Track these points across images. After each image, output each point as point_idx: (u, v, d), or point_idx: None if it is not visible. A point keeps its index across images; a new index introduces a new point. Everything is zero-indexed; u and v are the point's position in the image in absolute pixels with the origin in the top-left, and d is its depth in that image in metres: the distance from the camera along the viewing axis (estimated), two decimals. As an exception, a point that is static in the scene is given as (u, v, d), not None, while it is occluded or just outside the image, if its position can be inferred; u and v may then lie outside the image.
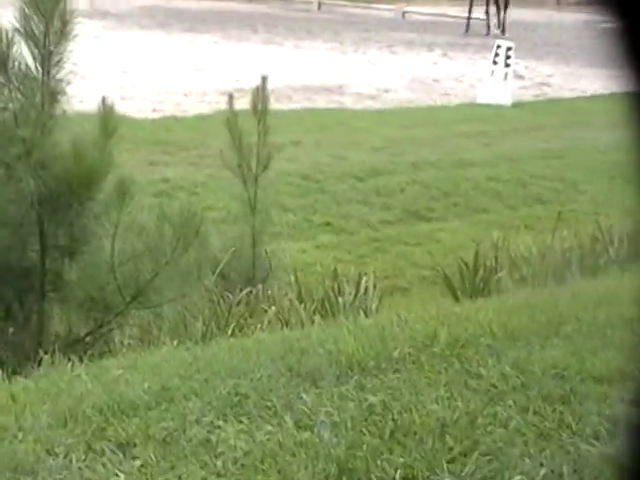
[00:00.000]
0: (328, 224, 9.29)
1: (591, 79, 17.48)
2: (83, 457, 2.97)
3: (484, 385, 3.55)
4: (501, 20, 26.04)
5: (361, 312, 5.61)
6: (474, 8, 26.38)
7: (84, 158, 5.16)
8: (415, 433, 3.13)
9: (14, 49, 5.15)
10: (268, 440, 3.11)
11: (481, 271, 6.78)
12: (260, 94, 6.75)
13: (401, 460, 2.95)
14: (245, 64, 17.16)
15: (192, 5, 28.85)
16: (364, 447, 3.02)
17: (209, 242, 5.60)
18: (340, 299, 6.06)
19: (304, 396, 3.43)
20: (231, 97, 6.92)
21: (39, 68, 5.20)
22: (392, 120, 14.20)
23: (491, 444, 3.05)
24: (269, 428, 3.19)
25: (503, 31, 25.57)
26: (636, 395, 2.87)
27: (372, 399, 3.41)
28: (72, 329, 5.17)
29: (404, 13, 30.59)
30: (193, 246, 5.16)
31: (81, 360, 4.14)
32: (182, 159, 10.83)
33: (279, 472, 2.90)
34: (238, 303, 5.82)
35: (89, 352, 4.68)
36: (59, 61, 5.20)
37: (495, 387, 3.53)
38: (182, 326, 5.28)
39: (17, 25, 5.09)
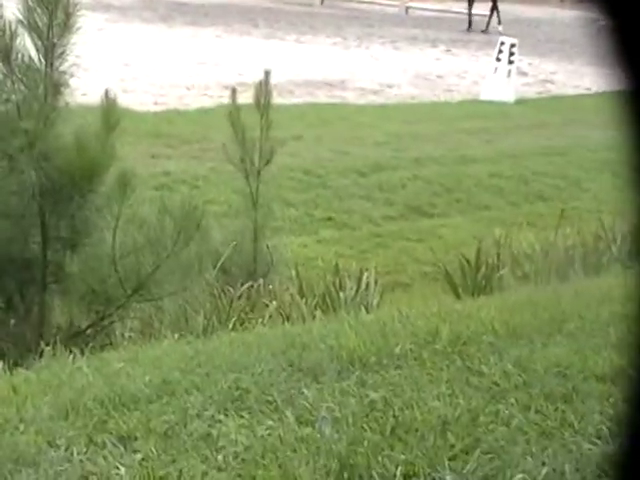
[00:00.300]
0: (330, 219, 9.29)
1: (594, 76, 17.45)
2: (84, 450, 2.97)
3: (486, 383, 3.54)
4: (498, 16, 26.03)
5: (362, 308, 5.60)
6: (476, 4, 26.35)
7: (86, 150, 5.15)
8: (416, 430, 3.12)
9: (17, 41, 5.14)
10: (269, 435, 3.10)
11: (483, 268, 6.77)
12: (263, 88, 6.73)
13: (402, 457, 2.94)
14: (247, 58, 17.15)
15: (195, -2, 28.81)
16: (365, 443, 3.01)
17: (210, 236, 5.60)
18: (341, 294, 6.05)
19: (305, 391, 3.42)
20: (234, 91, 6.91)
21: (42, 60, 5.19)
22: (395, 115, 14.19)
23: (493, 442, 3.04)
24: (270, 423, 3.19)
25: (487, 27, 25.62)
26: (633, 394, 2.86)
27: (373, 395, 3.40)
28: (73, 321, 5.17)
29: (408, 8, 30.56)
30: (194, 240, 5.16)
31: (82, 352, 4.14)
32: (184, 152, 10.82)
33: (280, 467, 2.89)
34: (239, 297, 5.82)
35: (90, 344, 4.68)
36: (62, 53, 5.19)
37: (497, 385, 3.52)
38: (183, 320, 5.28)
39: (20, 17, 5.09)
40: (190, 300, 5.20)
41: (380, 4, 31.35)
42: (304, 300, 5.92)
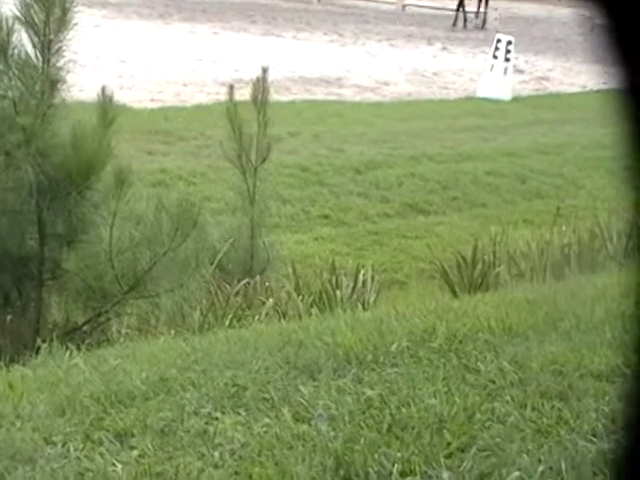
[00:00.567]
0: (326, 216, 9.29)
1: (590, 74, 17.47)
2: (81, 446, 2.97)
3: (482, 380, 3.54)
4: (481, 14, 26.04)
5: (359, 305, 5.61)
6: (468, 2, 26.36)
7: (83, 147, 5.15)
8: (413, 427, 3.13)
9: (14, 37, 5.14)
10: (265, 432, 3.10)
11: (479, 266, 6.78)
12: (260, 85, 6.73)
13: (399, 454, 2.95)
14: (244, 55, 17.14)
15: (192, -5, 28.77)
16: (362, 441, 3.02)
17: (207, 233, 5.59)
18: (338, 292, 6.06)
19: (302, 388, 3.43)
20: (231, 88, 6.91)
21: (39, 56, 5.18)
22: (391, 113, 14.19)
23: (489, 440, 3.05)
24: (267, 420, 3.19)
25: (483, 24, 25.63)
26: (629, 391, 2.87)
27: (370, 393, 3.40)
28: (70, 318, 5.17)
29: (404, 6, 30.55)
30: (191, 236, 5.16)
31: (79, 349, 4.14)
32: (181, 149, 10.81)
33: (276, 464, 2.89)
34: (236, 294, 5.82)
35: (87, 341, 4.68)
36: (59, 49, 5.18)
37: (493, 382, 3.52)
38: (180, 316, 5.28)
39: (17, 13, 5.08)
40: (187, 297, 5.20)
41: (377, 1, 31.34)
42: (300, 297, 5.92)
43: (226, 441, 3.03)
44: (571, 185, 10.82)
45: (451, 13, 27.94)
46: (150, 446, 2.98)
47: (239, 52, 18.10)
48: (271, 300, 5.78)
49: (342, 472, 2.87)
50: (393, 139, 12.19)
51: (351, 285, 6.25)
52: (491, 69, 16.39)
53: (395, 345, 3.85)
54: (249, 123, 6.65)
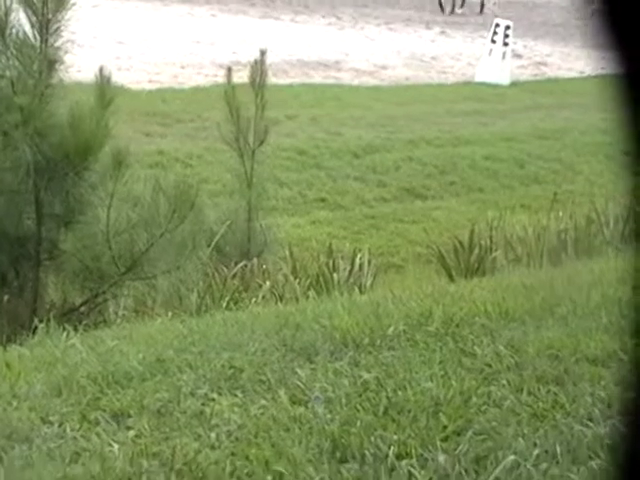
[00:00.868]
0: (323, 200, 9.29)
1: (589, 59, 17.43)
2: (77, 426, 2.98)
3: (478, 364, 3.55)
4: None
5: (356, 289, 5.61)
6: None
7: (81, 128, 5.14)
8: (409, 411, 3.14)
9: (12, 16, 5.12)
10: (262, 414, 3.11)
11: (476, 250, 6.78)
12: (258, 68, 6.71)
13: (395, 437, 2.96)
14: (242, 38, 17.08)
15: (190, -24, 28.63)
16: (358, 423, 3.03)
17: (204, 215, 5.59)
18: (335, 275, 6.06)
19: (298, 371, 3.43)
20: (229, 70, 6.89)
21: (37, 36, 5.16)
22: (389, 97, 14.15)
23: (485, 423, 3.06)
24: (263, 402, 3.20)
25: (462, 5, 25.51)
26: (626, 376, 2.88)
27: (366, 376, 3.41)
28: (67, 298, 5.17)
29: (403, -11, 30.40)
30: (188, 218, 5.15)
31: (76, 329, 4.14)
32: (178, 131, 10.79)
33: (273, 446, 2.90)
34: (233, 277, 5.82)
35: (84, 322, 4.68)
36: (57, 29, 5.16)
37: (489, 366, 3.53)
38: (177, 298, 5.28)
39: (16, -8, 5.06)
40: (184, 279, 5.20)
41: (376, -16, 31.18)
42: (297, 280, 5.93)
43: (223, 422, 3.04)
44: (569, 170, 10.82)
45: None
46: (147, 426, 2.99)
47: (237, 34, 18.04)
48: (268, 283, 5.79)
49: (338, 454, 2.88)
50: (391, 123, 12.17)
51: (348, 268, 6.26)
52: (489, 54, 16.35)
53: (392, 328, 3.85)
54: (247, 106, 6.64)
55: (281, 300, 5.45)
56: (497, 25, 16.49)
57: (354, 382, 3.36)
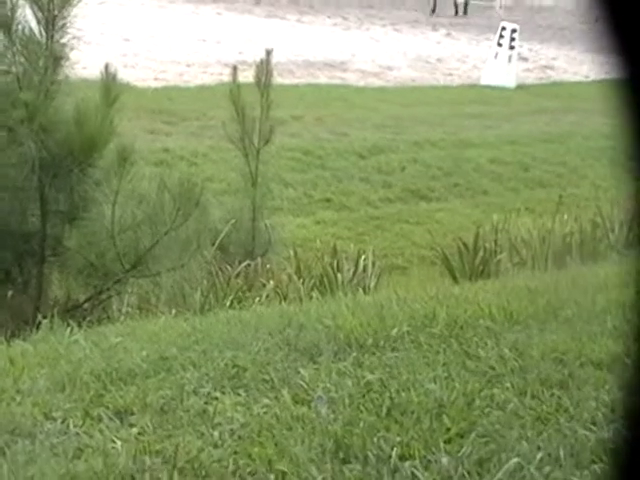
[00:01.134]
0: (328, 200, 9.28)
1: (594, 63, 17.41)
2: (81, 422, 2.97)
3: (482, 367, 3.54)
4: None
5: (360, 289, 5.60)
6: None
7: (86, 124, 5.14)
8: (412, 412, 3.13)
9: (18, 12, 5.11)
10: (265, 413, 3.10)
11: (481, 253, 6.78)
12: (264, 67, 6.71)
13: (398, 438, 2.95)
14: (248, 37, 17.09)
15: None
16: (361, 424, 3.02)
17: (209, 213, 5.59)
18: (339, 276, 6.06)
19: (302, 371, 3.43)
20: (235, 69, 6.89)
21: (43, 32, 5.16)
22: (394, 98, 14.16)
23: (488, 426, 3.05)
24: (266, 401, 3.19)
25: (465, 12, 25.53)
26: (628, 380, 2.87)
27: (370, 376, 3.40)
28: (71, 295, 5.17)
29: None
30: (193, 216, 5.15)
31: (79, 326, 4.13)
32: (183, 129, 10.79)
33: (276, 445, 2.89)
34: (237, 276, 5.82)
35: (87, 318, 4.67)
36: (63, 26, 5.16)
37: (493, 369, 3.52)
38: (180, 296, 5.27)
39: (23, -12, 5.06)
40: (188, 277, 5.19)
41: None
42: (301, 280, 5.92)
43: (225, 421, 3.03)
44: (573, 174, 10.81)
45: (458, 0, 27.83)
46: (150, 424, 2.98)
47: (243, 33, 18.05)
48: (272, 282, 5.78)
49: (341, 454, 2.87)
50: (396, 124, 12.16)
51: (352, 269, 6.25)
52: (495, 57, 16.34)
53: (396, 330, 3.85)
54: (252, 105, 6.64)
55: (285, 300, 5.45)
56: (503, 28, 16.49)
57: (357, 383, 3.35)
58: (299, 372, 3.42)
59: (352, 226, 8.66)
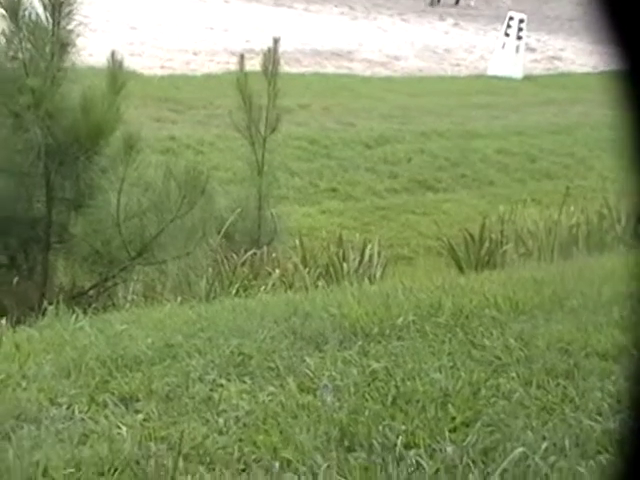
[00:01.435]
0: (334, 190, 9.27)
1: (599, 55, 17.32)
2: (86, 408, 2.98)
3: (488, 356, 3.54)
4: None
5: (365, 279, 5.60)
6: None
7: (92, 111, 5.13)
8: (417, 401, 3.13)
9: (25, -2, 5.11)
10: (270, 401, 3.10)
11: (487, 243, 6.77)
12: (271, 56, 6.69)
13: (403, 427, 2.95)
14: (255, 25, 17.04)
15: (204, -37, 28.57)
16: (366, 412, 3.02)
17: (215, 201, 5.58)
18: (345, 265, 6.05)
19: (307, 359, 3.43)
20: (242, 57, 6.87)
21: (49, 18, 5.15)
22: (402, 88, 14.12)
23: (493, 415, 3.05)
24: (272, 389, 3.19)
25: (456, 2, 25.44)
26: (634, 371, 2.86)
27: (375, 365, 3.40)
28: (76, 282, 5.17)
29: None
30: (198, 204, 5.15)
31: (85, 313, 4.14)
32: (190, 117, 10.78)
33: (281, 433, 2.89)
34: (242, 264, 5.81)
35: (93, 305, 4.68)
36: (70, 12, 5.15)
37: (499, 359, 3.52)
38: (186, 284, 5.27)
39: (30, -26, 5.05)
40: (193, 265, 5.19)
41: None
42: (307, 270, 5.92)
43: (231, 408, 3.03)
44: (580, 165, 10.78)
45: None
46: (155, 410, 2.99)
47: (250, 22, 18.00)
48: (277, 271, 5.78)
49: (346, 442, 2.87)
50: (403, 114, 12.14)
51: (358, 259, 6.24)
52: (503, 47, 16.28)
53: (401, 319, 3.84)
54: (259, 94, 6.62)
55: (290, 288, 5.44)
56: (511, 18, 16.42)
57: (363, 371, 3.35)
58: (305, 360, 3.42)
59: (358, 216, 8.65)
